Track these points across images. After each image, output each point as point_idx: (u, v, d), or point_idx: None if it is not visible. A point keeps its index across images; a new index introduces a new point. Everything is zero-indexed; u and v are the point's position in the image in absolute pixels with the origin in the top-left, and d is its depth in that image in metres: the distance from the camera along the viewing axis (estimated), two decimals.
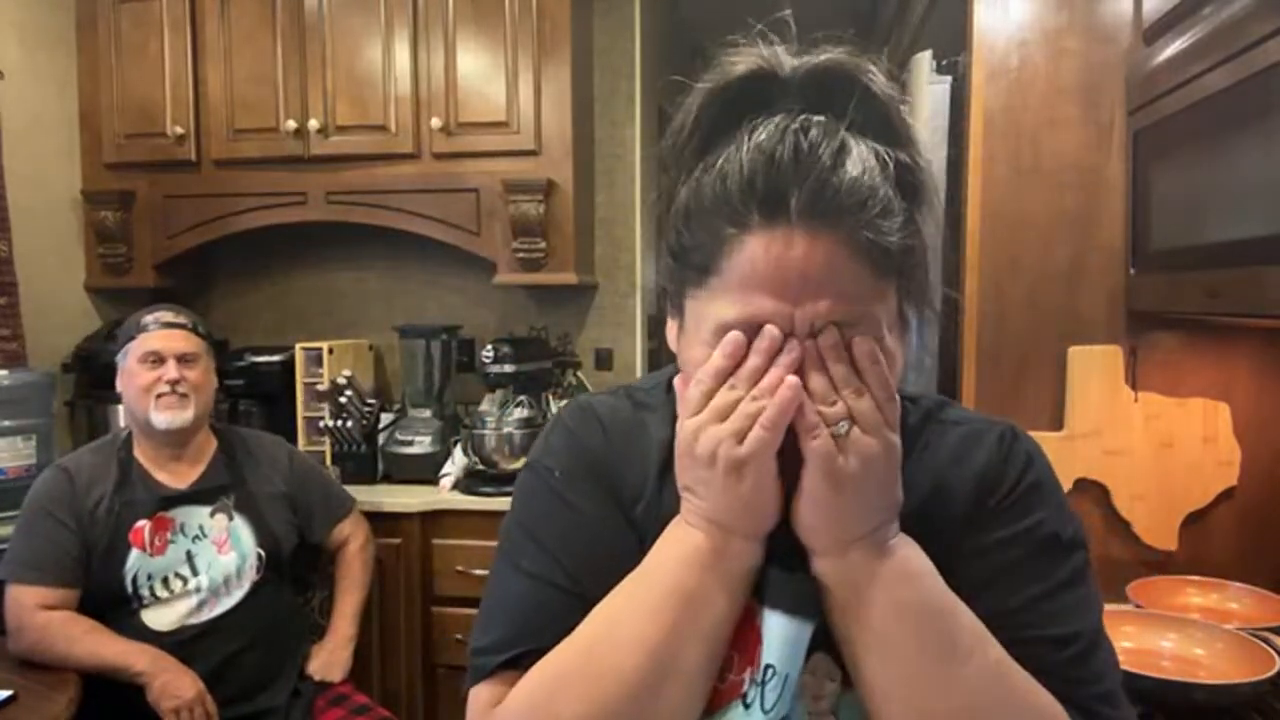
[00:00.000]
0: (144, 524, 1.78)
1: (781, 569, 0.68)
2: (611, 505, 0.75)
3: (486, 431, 2.46)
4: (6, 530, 1.83)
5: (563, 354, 2.87)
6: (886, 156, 0.63)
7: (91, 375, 2.63)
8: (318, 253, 3.02)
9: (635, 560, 0.69)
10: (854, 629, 0.66)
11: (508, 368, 2.50)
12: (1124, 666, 1.23)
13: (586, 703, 0.65)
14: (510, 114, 2.56)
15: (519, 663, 0.69)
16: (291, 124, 2.61)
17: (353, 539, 2.09)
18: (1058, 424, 1.66)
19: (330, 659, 1.94)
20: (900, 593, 0.65)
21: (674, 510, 0.69)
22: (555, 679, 0.67)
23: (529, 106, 2.55)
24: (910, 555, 0.66)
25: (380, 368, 2.97)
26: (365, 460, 2.59)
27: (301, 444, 2.63)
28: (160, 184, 2.73)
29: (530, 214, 2.52)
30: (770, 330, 0.62)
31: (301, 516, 1.99)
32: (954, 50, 1.79)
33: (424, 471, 2.56)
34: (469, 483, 2.48)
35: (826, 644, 0.68)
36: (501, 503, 2.36)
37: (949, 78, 1.79)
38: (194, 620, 1.78)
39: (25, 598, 1.70)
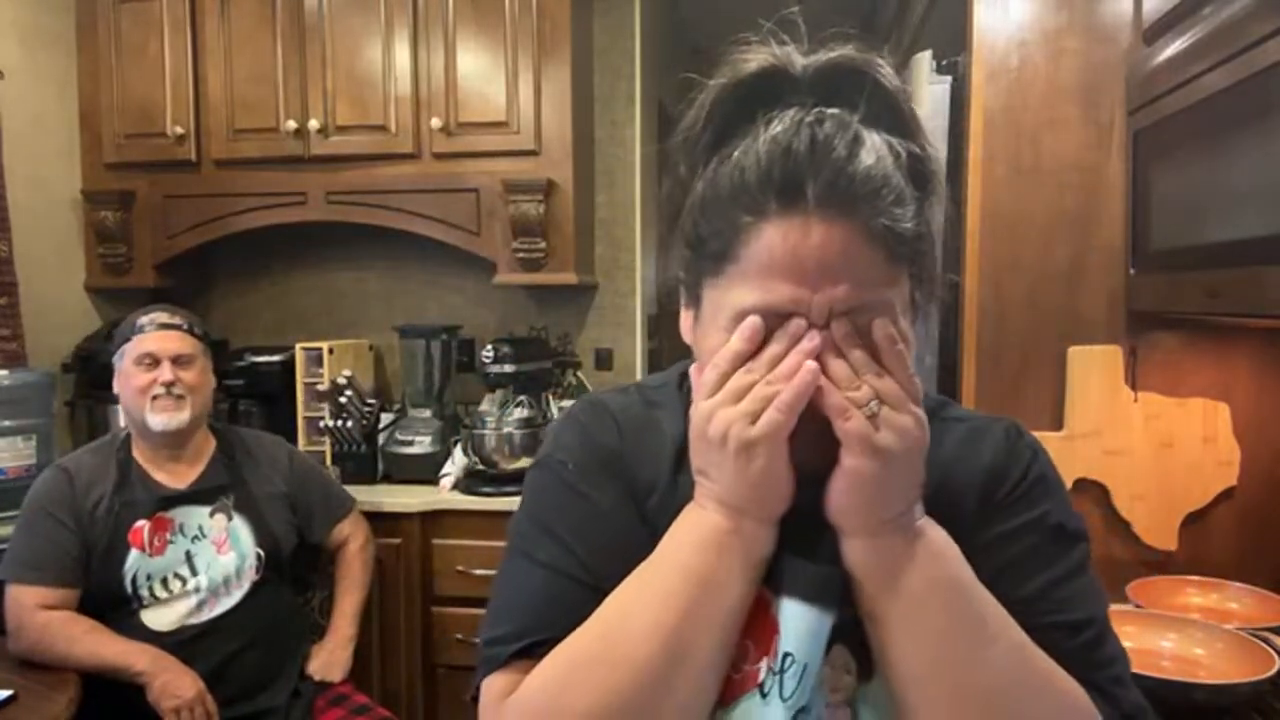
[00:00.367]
0: (143, 524, 1.78)
1: (800, 558, 0.68)
2: (625, 498, 0.75)
3: (486, 431, 2.46)
4: (6, 530, 1.83)
5: (563, 354, 2.87)
6: (898, 147, 0.65)
7: (91, 375, 2.63)
8: (318, 253, 3.02)
9: (648, 553, 0.69)
10: (887, 610, 0.66)
11: (508, 368, 2.50)
12: None
13: (600, 691, 0.65)
14: (510, 114, 2.56)
15: (532, 652, 0.69)
16: (291, 124, 2.61)
17: (353, 539, 2.09)
18: (1058, 424, 1.66)
19: (330, 659, 1.94)
20: (933, 571, 0.66)
21: (687, 503, 0.70)
22: (569, 667, 0.67)
23: (529, 106, 2.55)
24: (939, 535, 0.67)
25: (380, 368, 2.97)
26: (365, 460, 2.59)
27: (301, 444, 2.63)
28: (160, 184, 2.73)
29: (530, 214, 2.52)
30: (796, 321, 0.63)
31: (301, 516, 1.99)
32: (954, 50, 1.79)
33: (424, 471, 2.56)
34: (469, 483, 2.48)
35: (845, 636, 0.69)
36: (502, 503, 2.37)
37: (949, 78, 1.79)
38: (194, 620, 1.78)
39: (25, 598, 1.70)
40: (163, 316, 1.87)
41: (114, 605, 1.75)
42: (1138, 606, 1.46)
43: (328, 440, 2.60)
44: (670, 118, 3.93)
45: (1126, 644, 1.34)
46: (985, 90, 1.67)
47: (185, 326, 1.88)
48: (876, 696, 0.69)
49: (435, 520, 2.39)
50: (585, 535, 0.73)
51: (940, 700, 0.65)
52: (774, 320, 0.64)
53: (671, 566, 0.67)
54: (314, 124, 2.60)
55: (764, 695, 0.68)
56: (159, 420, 1.81)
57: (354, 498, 2.17)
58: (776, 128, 0.64)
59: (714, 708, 0.68)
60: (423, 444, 2.59)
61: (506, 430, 2.45)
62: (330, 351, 2.64)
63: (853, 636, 0.69)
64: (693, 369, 0.71)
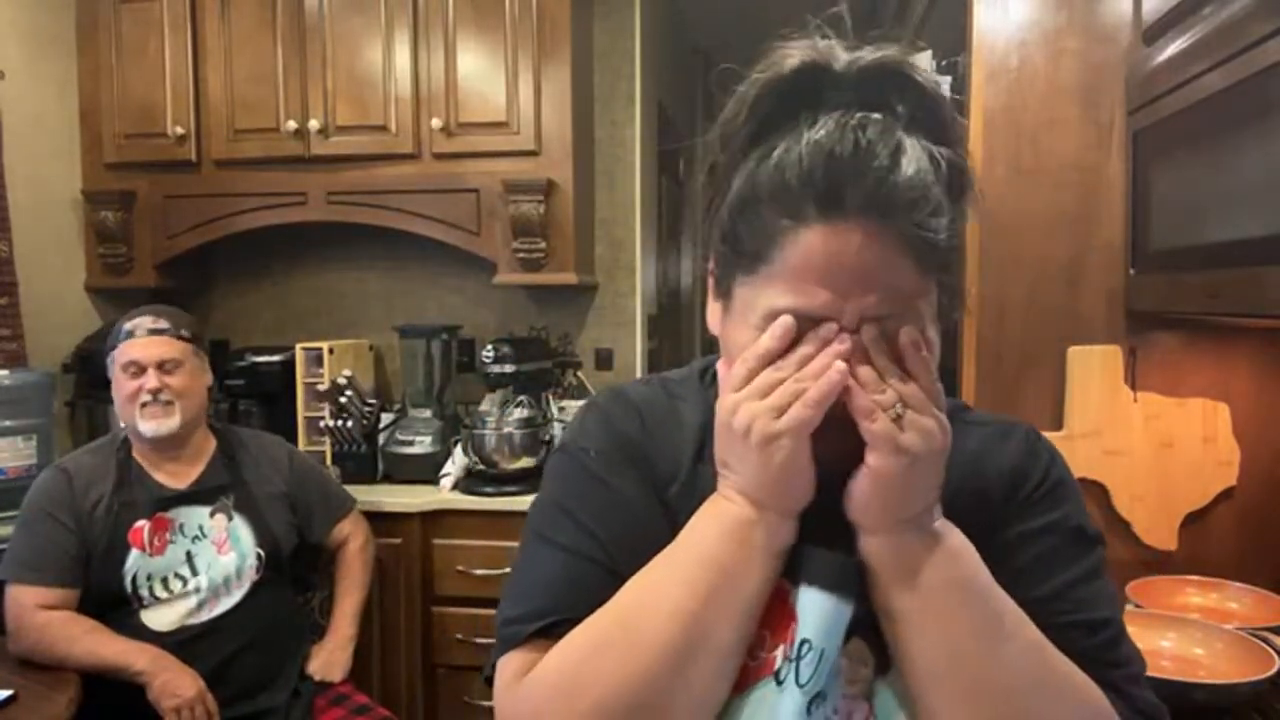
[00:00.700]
0: (143, 524, 1.78)
1: (820, 547, 0.69)
2: (645, 487, 0.76)
3: (486, 431, 2.46)
4: (7, 530, 1.83)
5: (563, 354, 2.87)
6: (938, 155, 0.65)
7: (91, 375, 2.63)
8: (318, 253, 3.02)
9: (667, 541, 0.70)
10: (905, 607, 0.66)
11: (508, 368, 2.50)
12: None
13: (618, 673, 0.65)
14: (510, 114, 2.56)
15: (550, 632, 0.70)
16: (292, 124, 2.61)
17: (352, 539, 2.09)
18: (1058, 424, 1.66)
19: (330, 659, 1.94)
20: (950, 570, 0.66)
21: (708, 494, 0.70)
22: (588, 648, 0.67)
23: (529, 107, 2.55)
24: (956, 535, 0.68)
25: (380, 368, 2.97)
26: (365, 460, 2.59)
27: (302, 444, 2.63)
28: (161, 184, 2.73)
29: (530, 214, 2.52)
30: (828, 325, 0.64)
31: (301, 516, 1.99)
32: (954, 50, 1.79)
33: (424, 471, 2.56)
34: (469, 483, 2.48)
35: (863, 629, 0.69)
36: (502, 503, 2.37)
37: (949, 78, 1.79)
38: (194, 620, 1.78)
39: (25, 598, 1.70)
40: (147, 321, 1.84)
41: (114, 605, 1.75)
42: (1137, 606, 1.46)
43: (328, 440, 2.60)
44: (670, 118, 3.94)
45: None
46: (985, 90, 1.67)
47: (171, 330, 1.85)
48: (893, 690, 0.69)
49: (435, 520, 2.39)
50: (605, 521, 0.74)
51: (957, 697, 0.65)
52: (805, 323, 0.65)
53: (693, 554, 0.67)
54: (314, 124, 2.60)
55: (779, 682, 0.68)
56: (148, 427, 1.81)
57: (354, 497, 2.17)
58: (820, 131, 0.64)
59: (730, 695, 0.68)
60: (423, 444, 2.59)
61: (506, 430, 2.46)
62: (330, 351, 2.64)
63: (871, 630, 0.69)
64: (720, 364, 0.72)
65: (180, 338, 1.87)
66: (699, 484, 0.73)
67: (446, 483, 2.49)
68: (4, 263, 2.40)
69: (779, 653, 0.68)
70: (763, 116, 0.68)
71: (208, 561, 1.81)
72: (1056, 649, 0.68)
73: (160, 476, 1.85)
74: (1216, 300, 1.20)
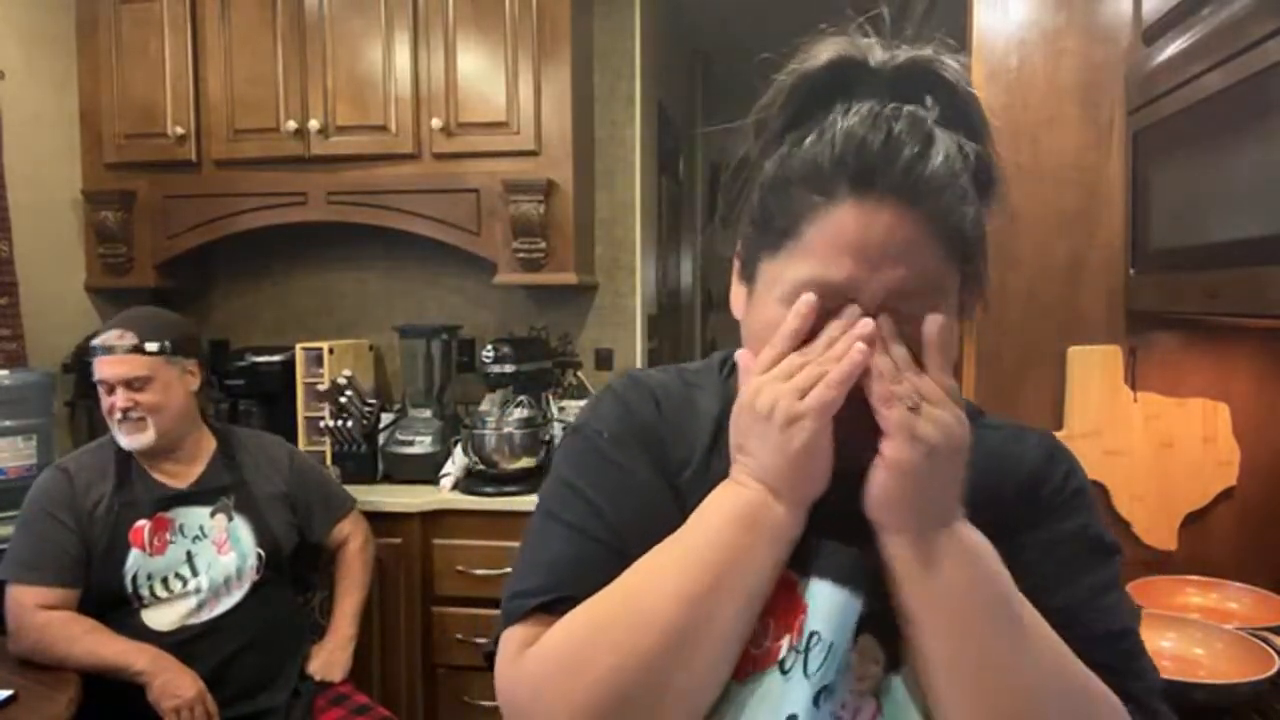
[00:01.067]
0: (143, 524, 1.78)
1: (833, 540, 0.69)
2: (657, 470, 0.76)
3: (486, 431, 2.46)
4: (7, 530, 1.83)
5: (563, 354, 2.87)
6: (967, 149, 0.68)
7: (91, 375, 2.63)
8: (318, 253, 3.02)
9: (676, 526, 0.70)
10: (926, 607, 0.66)
11: (508, 368, 2.50)
12: None
13: (621, 651, 0.65)
14: (510, 114, 2.56)
15: (555, 608, 0.70)
16: (292, 124, 2.61)
17: (352, 539, 2.09)
18: (1058, 424, 1.66)
19: (330, 659, 1.94)
20: (973, 571, 0.66)
21: (718, 484, 0.70)
22: (592, 625, 0.67)
23: (529, 106, 2.55)
24: (977, 536, 0.67)
25: (380, 368, 2.97)
26: (365, 460, 2.59)
27: (302, 444, 2.63)
28: (161, 184, 2.73)
29: (530, 214, 2.52)
30: (851, 307, 0.65)
31: (301, 516, 1.99)
32: (954, 50, 1.79)
33: (424, 471, 2.56)
34: (469, 483, 2.48)
35: (874, 626, 0.69)
36: (502, 503, 2.37)
37: None
38: (194, 620, 1.78)
39: (25, 598, 1.70)
40: (113, 337, 1.81)
41: (114, 605, 1.75)
42: (1137, 606, 1.46)
43: (328, 440, 2.60)
44: (670, 118, 3.93)
45: None
46: (985, 90, 1.67)
47: (138, 345, 1.81)
48: (903, 688, 0.69)
49: (435, 520, 2.39)
50: (615, 502, 0.74)
51: (975, 700, 0.65)
52: (829, 296, 0.65)
53: (702, 537, 0.67)
54: (314, 124, 2.60)
55: (784, 672, 0.68)
56: (125, 441, 1.81)
57: (354, 497, 2.17)
58: (853, 119, 0.66)
59: (732, 682, 0.68)
60: (423, 444, 2.59)
61: (506, 430, 2.46)
62: (330, 351, 2.64)
63: (882, 627, 0.69)
64: (740, 353, 0.72)
65: (148, 352, 1.81)
66: (711, 473, 0.73)
67: (446, 483, 2.50)
68: (4, 263, 2.41)
69: (784, 642, 0.68)
70: (798, 105, 0.70)
71: (208, 561, 1.81)
72: (1075, 657, 0.67)
73: (160, 476, 1.85)
74: (1216, 300, 1.20)
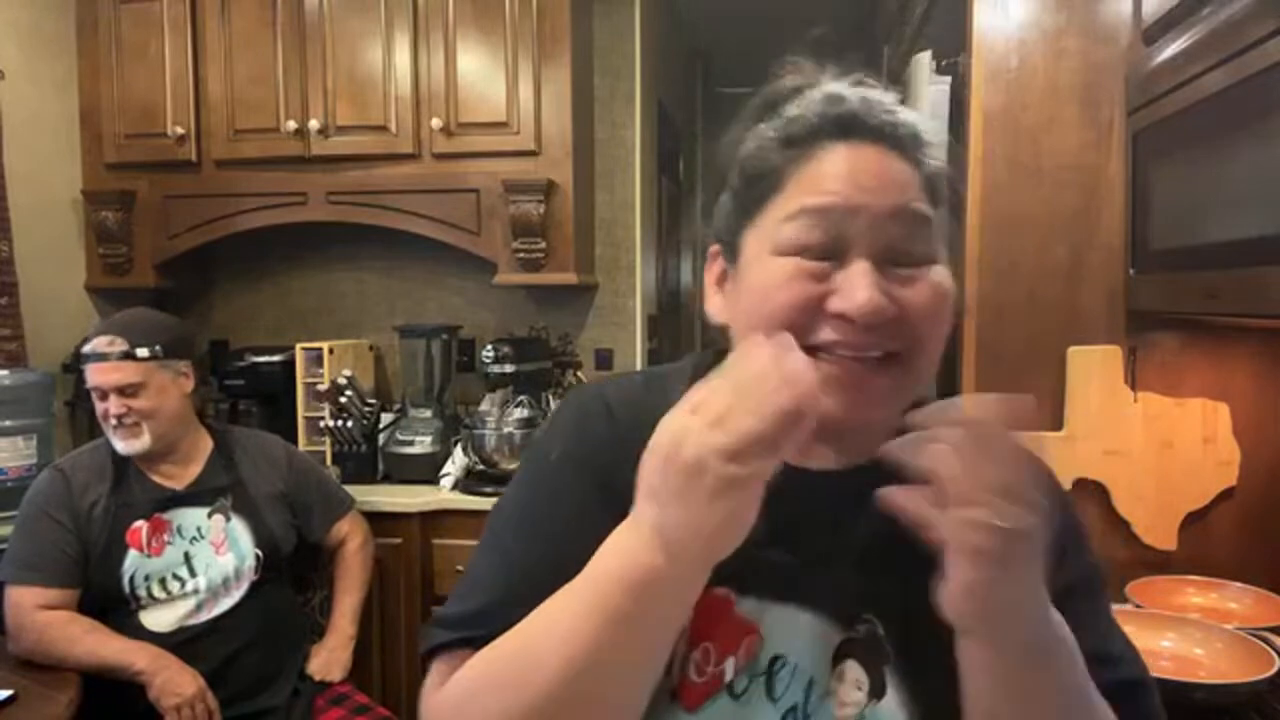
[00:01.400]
0: (141, 525, 1.78)
1: (793, 559, 0.67)
2: (604, 498, 0.69)
3: (486, 431, 2.46)
4: (6, 530, 1.83)
5: (563, 354, 2.87)
6: (935, 126, 0.73)
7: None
8: (318, 253, 3.02)
9: None
10: (1004, 704, 0.61)
11: (508, 368, 2.50)
12: None
13: (501, 713, 0.62)
14: (510, 114, 2.56)
15: (472, 643, 0.68)
16: (292, 124, 2.61)
17: (351, 538, 2.09)
18: (1058, 424, 1.66)
19: (330, 659, 1.94)
20: (1064, 680, 0.62)
21: None
22: (479, 684, 0.65)
23: (529, 107, 2.55)
24: (1066, 634, 0.63)
25: (380, 368, 2.97)
26: (365, 460, 2.59)
27: (302, 444, 2.63)
28: (161, 184, 2.73)
29: (530, 214, 2.52)
30: (786, 336, 0.57)
31: (300, 516, 1.99)
32: (954, 50, 1.79)
33: (424, 471, 2.56)
34: (469, 483, 2.48)
35: (857, 652, 0.67)
36: None
37: (949, 78, 1.79)
38: (193, 621, 1.78)
39: (24, 598, 1.70)
40: (103, 344, 1.79)
41: (113, 606, 1.75)
42: (1137, 606, 1.46)
43: (328, 440, 2.60)
44: (670, 118, 3.93)
45: None
46: (985, 90, 1.67)
47: (129, 351, 1.79)
48: (887, 715, 0.68)
49: (435, 520, 2.39)
50: (554, 532, 0.71)
51: None
52: (823, 228, 0.63)
53: (592, 601, 0.60)
54: (314, 124, 2.60)
55: (736, 696, 0.66)
56: (121, 446, 1.80)
57: (352, 497, 2.17)
58: (827, 87, 0.69)
59: (683, 713, 0.67)
60: (423, 444, 2.59)
61: (506, 430, 2.45)
62: (330, 351, 2.64)
63: (867, 653, 0.67)
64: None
65: (139, 358, 1.79)
66: None
67: (446, 483, 2.50)
68: (4, 263, 2.40)
69: (728, 665, 0.66)
70: (764, 101, 0.72)
71: (206, 562, 1.81)
72: None
73: (157, 478, 1.85)
74: (1216, 300, 1.20)
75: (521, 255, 2.58)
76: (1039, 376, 1.67)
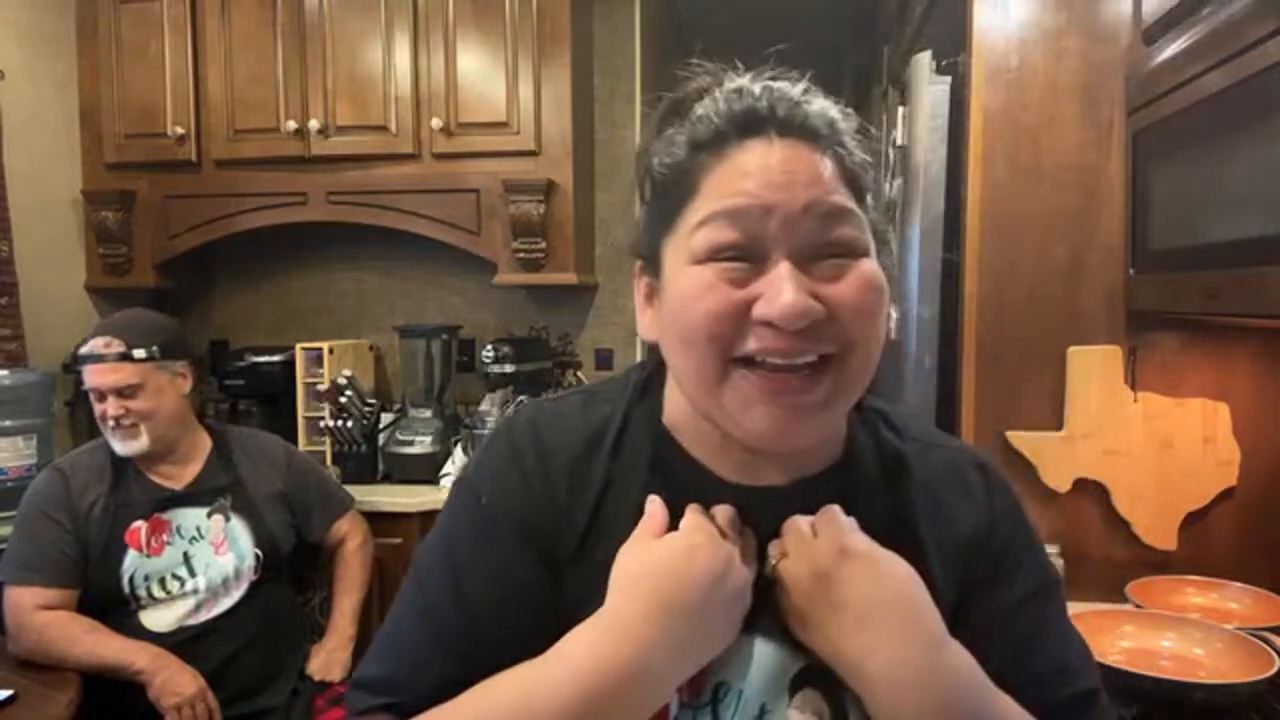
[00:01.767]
0: (140, 525, 1.78)
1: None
2: (532, 548, 0.68)
3: (486, 431, 2.45)
4: (6, 530, 1.83)
5: (563, 354, 2.87)
6: (847, 110, 0.67)
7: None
8: (318, 253, 3.02)
9: (544, 614, 0.65)
10: None
11: (508, 368, 2.50)
12: (1123, 666, 1.23)
13: None
14: (510, 114, 2.56)
15: (395, 709, 0.66)
16: (292, 124, 2.61)
17: (350, 538, 2.08)
18: (1058, 424, 1.66)
19: (330, 659, 1.94)
20: (968, 703, 0.61)
21: (609, 543, 0.65)
22: None
23: (529, 107, 2.55)
24: (965, 658, 0.63)
25: (380, 368, 2.97)
26: (365, 460, 2.59)
27: (302, 444, 2.63)
28: (161, 184, 2.73)
29: (530, 214, 2.52)
30: (728, 510, 0.66)
31: (299, 516, 1.99)
32: (954, 50, 1.79)
33: (424, 471, 2.56)
34: None
35: (814, 679, 0.66)
36: None
37: (949, 78, 1.79)
38: (192, 621, 1.78)
39: (24, 599, 1.70)
40: (100, 345, 1.78)
41: (112, 606, 1.75)
42: (1137, 606, 1.46)
43: (328, 440, 2.60)
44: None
45: (1126, 644, 1.35)
46: (985, 90, 1.67)
47: (126, 353, 1.78)
48: None
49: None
50: (477, 590, 0.68)
51: None
52: (741, 228, 0.60)
53: (551, 703, 0.59)
54: (314, 124, 2.60)
55: None
56: (119, 446, 1.80)
57: (352, 496, 2.16)
58: (732, 85, 0.66)
59: None
60: (423, 444, 2.59)
61: None
62: (330, 351, 2.64)
63: (826, 681, 0.65)
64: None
65: (136, 360, 1.78)
66: (587, 551, 0.68)
67: (447, 483, 2.49)
68: (4, 263, 2.41)
69: (672, 699, 0.65)
70: (672, 104, 0.69)
71: (205, 562, 1.81)
72: None
73: (156, 478, 1.84)
74: (1216, 300, 1.20)
75: (521, 255, 2.58)
76: (1039, 376, 1.67)
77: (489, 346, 2.52)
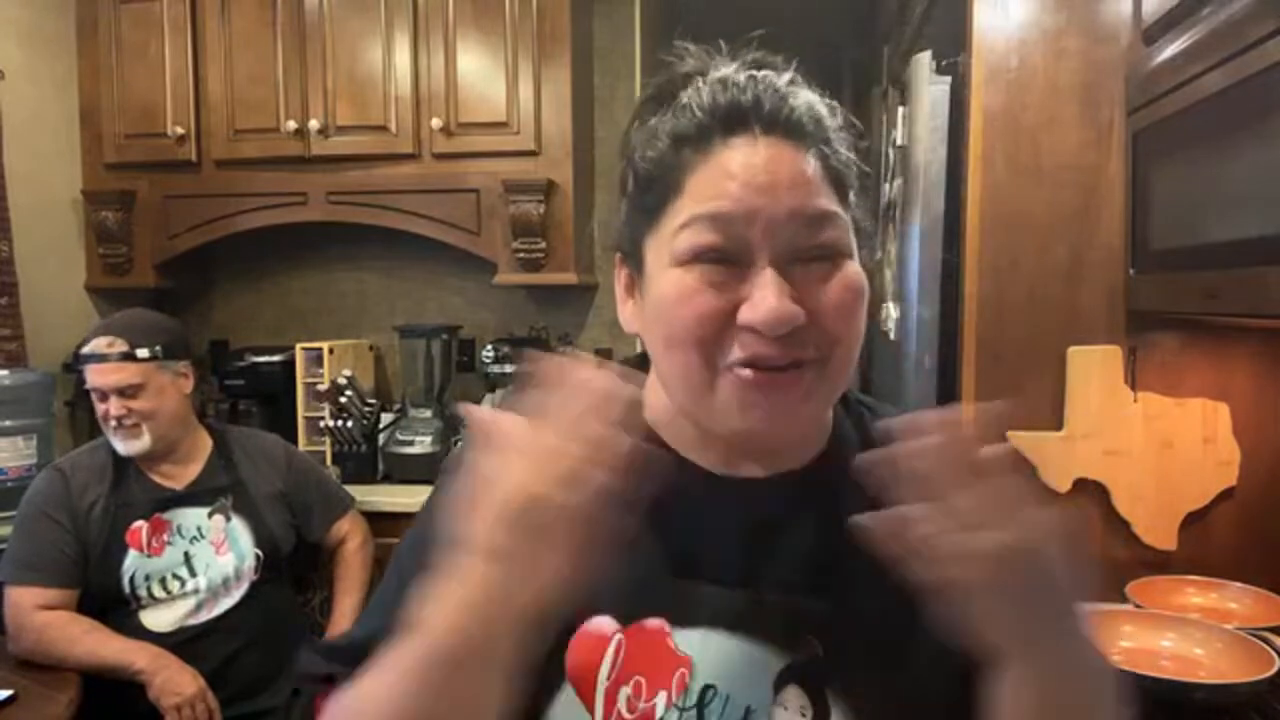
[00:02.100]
0: (141, 525, 1.78)
1: (725, 588, 0.65)
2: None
3: None
4: (6, 530, 1.83)
5: (563, 354, 2.86)
6: (830, 102, 0.66)
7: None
8: (318, 253, 3.02)
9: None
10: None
11: (508, 368, 2.50)
12: (1123, 666, 1.23)
13: None
14: (510, 114, 2.56)
15: (333, 679, 0.68)
16: (292, 124, 2.61)
17: (350, 537, 2.08)
18: (1058, 424, 1.65)
19: None
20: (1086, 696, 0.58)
21: None
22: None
23: (529, 106, 2.55)
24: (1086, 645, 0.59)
25: (380, 368, 2.97)
26: (365, 460, 2.59)
27: (302, 444, 2.63)
28: (161, 184, 2.73)
29: (530, 214, 2.52)
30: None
31: (299, 516, 1.99)
32: (954, 50, 1.79)
33: (424, 471, 2.56)
34: None
35: (799, 677, 0.65)
36: None
37: (949, 78, 1.79)
38: (193, 621, 1.78)
39: (24, 599, 1.70)
40: (102, 345, 1.78)
41: (113, 606, 1.75)
42: (1137, 606, 1.46)
43: (328, 440, 2.60)
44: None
45: (1126, 644, 1.35)
46: (985, 90, 1.67)
47: (128, 353, 1.78)
48: None
49: None
50: (412, 570, 0.67)
51: None
52: (723, 233, 0.60)
53: (414, 659, 0.57)
54: (314, 124, 2.60)
55: None
56: (121, 446, 1.80)
57: (352, 496, 2.16)
58: (716, 76, 0.64)
59: None
60: (423, 444, 2.59)
61: None
62: (330, 351, 2.64)
63: (809, 677, 0.65)
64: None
65: (139, 359, 1.79)
66: None
67: None
68: (4, 263, 2.41)
69: (660, 700, 0.64)
70: (656, 92, 0.68)
71: (206, 562, 1.81)
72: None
73: (157, 477, 1.84)
74: (1216, 300, 1.20)
75: (521, 255, 2.58)
76: (1039, 376, 1.67)
77: (489, 346, 2.52)
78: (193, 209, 2.73)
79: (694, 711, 0.64)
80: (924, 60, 1.80)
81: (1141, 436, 1.63)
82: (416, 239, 2.70)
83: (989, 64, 1.66)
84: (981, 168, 1.67)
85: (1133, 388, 1.64)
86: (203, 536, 1.83)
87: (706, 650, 0.64)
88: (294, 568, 1.99)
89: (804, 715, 0.65)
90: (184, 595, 1.78)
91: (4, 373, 2.27)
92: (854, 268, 0.63)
